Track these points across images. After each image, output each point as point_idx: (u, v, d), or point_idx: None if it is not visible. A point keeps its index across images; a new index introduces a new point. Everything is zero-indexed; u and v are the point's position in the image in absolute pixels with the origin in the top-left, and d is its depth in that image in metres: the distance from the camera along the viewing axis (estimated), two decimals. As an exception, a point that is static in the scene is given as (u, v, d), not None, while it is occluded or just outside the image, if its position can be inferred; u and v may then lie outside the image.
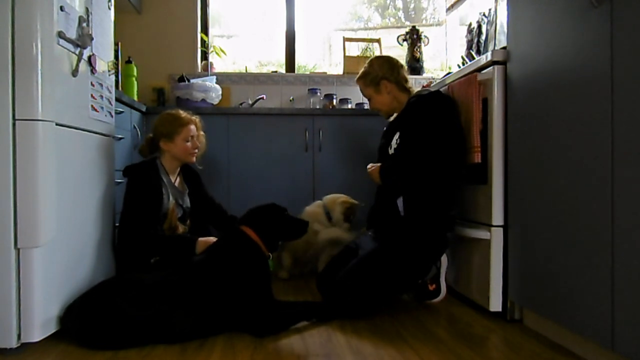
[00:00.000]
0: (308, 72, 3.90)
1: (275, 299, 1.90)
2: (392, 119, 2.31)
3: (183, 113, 2.26)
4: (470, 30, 3.31)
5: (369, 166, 2.18)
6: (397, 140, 2.11)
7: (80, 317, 1.60)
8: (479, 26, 3.17)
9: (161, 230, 2.13)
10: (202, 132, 2.33)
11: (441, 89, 2.36)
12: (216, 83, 3.37)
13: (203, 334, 1.69)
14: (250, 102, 3.56)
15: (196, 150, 2.26)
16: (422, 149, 1.97)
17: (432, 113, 2.01)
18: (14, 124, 1.51)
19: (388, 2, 4.37)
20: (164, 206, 2.14)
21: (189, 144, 2.21)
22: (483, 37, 3.13)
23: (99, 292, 1.65)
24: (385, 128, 2.34)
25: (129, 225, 2.05)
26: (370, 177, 2.16)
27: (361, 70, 2.23)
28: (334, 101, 3.49)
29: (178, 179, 2.29)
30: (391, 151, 2.13)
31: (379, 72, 2.15)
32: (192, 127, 2.24)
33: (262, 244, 1.87)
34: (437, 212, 2.03)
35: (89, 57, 1.88)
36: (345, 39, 3.82)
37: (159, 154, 2.23)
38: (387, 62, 2.17)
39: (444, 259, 2.11)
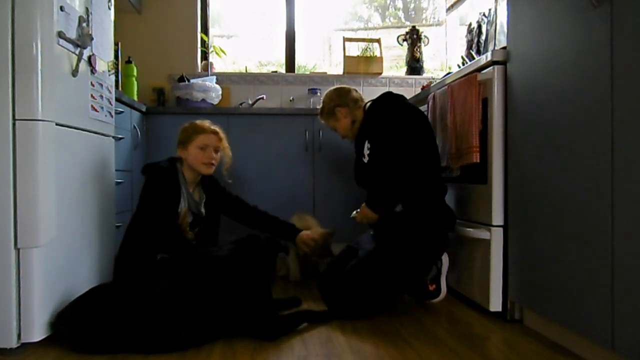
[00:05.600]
0: (308, 72, 3.90)
1: (273, 299, 1.88)
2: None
3: (206, 123, 2.16)
4: (470, 30, 3.31)
5: (353, 214, 2.14)
6: (368, 147, 2.11)
7: (73, 322, 1.56)
8: (479, 26, 3.17)
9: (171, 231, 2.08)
10: (226, 145, 2.21)
11: (441, 89, 2.36)
12: (216, 83, 3.37)
13: (203, 338, 1.65)
14: (250, 102, 3.56)
15: (212, 162, 2.12)
16: (394, 146, 1.94)
17: (391, 111, 2.02)
18: (14, 124, 1.51)
19: (388, 2, 4.36)
20: (180, 207, 2.08)
21: (203, 152, 2.09)
22: (483, 37, 3.13)
23: (92, 296, 1.62)
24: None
25: (143, 221, 1.99)
26: (364, 221, 2.11)
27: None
28: (334, 101, 3.49)
29: (196, 189, 2.20)
30: (365, 160, 2.13)
31: (331, 103, 2.27)
32: (211, 136, 2.12)
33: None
34: (433, 204, 2.03)
35: (89, 57, 1.89)
36: (345, 39, 3.82)
37: (180, 162, 2.15)
38: (335, 91, 2.30)
39: (445, 259, 2.11)
